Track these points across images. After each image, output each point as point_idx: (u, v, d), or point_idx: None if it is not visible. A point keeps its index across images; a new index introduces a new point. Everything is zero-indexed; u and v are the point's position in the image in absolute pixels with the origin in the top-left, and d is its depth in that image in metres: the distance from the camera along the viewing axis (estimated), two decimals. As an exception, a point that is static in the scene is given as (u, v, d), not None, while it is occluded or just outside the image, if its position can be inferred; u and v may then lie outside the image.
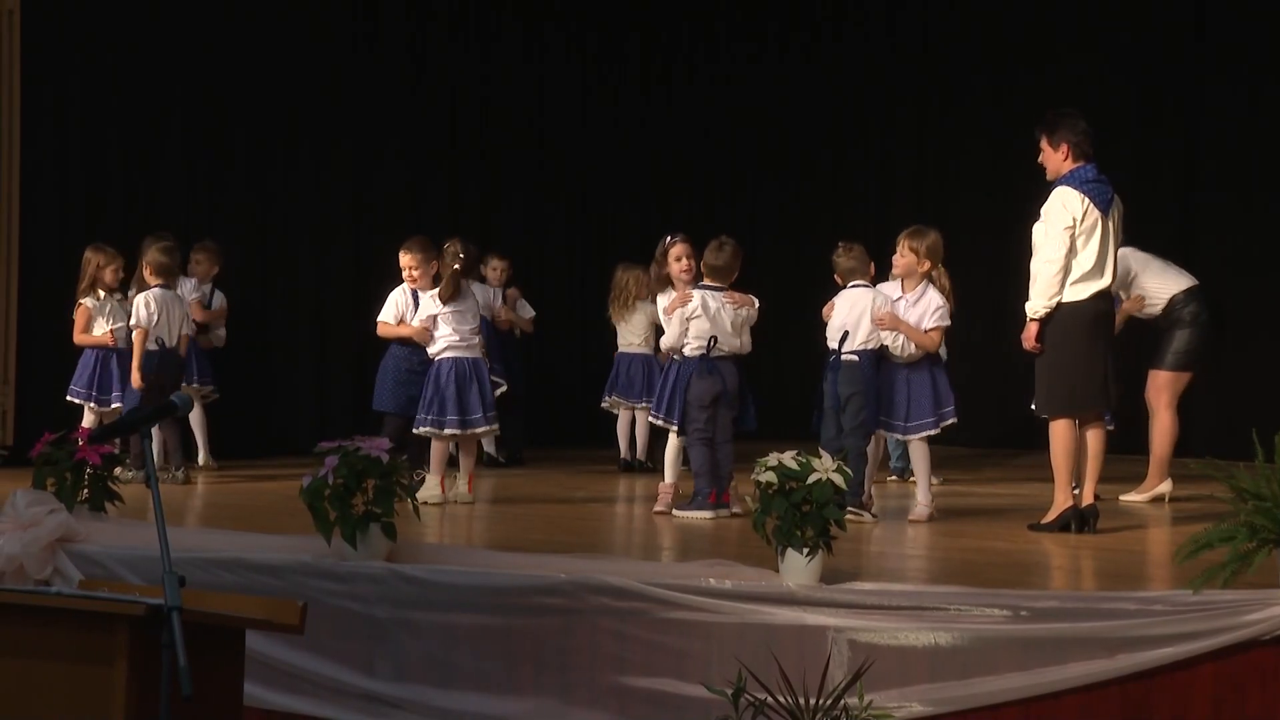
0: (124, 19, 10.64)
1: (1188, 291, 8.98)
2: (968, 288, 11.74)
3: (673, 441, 8.37)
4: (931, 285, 8.13)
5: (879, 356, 8.11)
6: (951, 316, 8.19)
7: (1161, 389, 8.90)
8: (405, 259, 8.95)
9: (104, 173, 10.71)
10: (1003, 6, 12.60)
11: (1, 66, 10.09)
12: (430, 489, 8.51)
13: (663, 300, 8.64)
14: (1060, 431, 7.49)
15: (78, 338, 9.63)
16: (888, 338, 8.08)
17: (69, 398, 9.60)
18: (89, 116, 10.59)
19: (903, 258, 8.15)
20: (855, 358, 8.02)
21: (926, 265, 8.12)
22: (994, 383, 12.02)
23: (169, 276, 9.43)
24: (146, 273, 9.42)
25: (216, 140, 11.13)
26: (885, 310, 8.03)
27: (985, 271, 12.35)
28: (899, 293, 8.17)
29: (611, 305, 10.59)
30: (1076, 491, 9.03)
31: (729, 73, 13.58)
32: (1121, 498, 8.77)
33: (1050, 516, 7.54)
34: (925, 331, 8.08)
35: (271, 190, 11.41)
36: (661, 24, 13.35)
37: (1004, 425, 11.91)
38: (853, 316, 8.06)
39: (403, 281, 8.97)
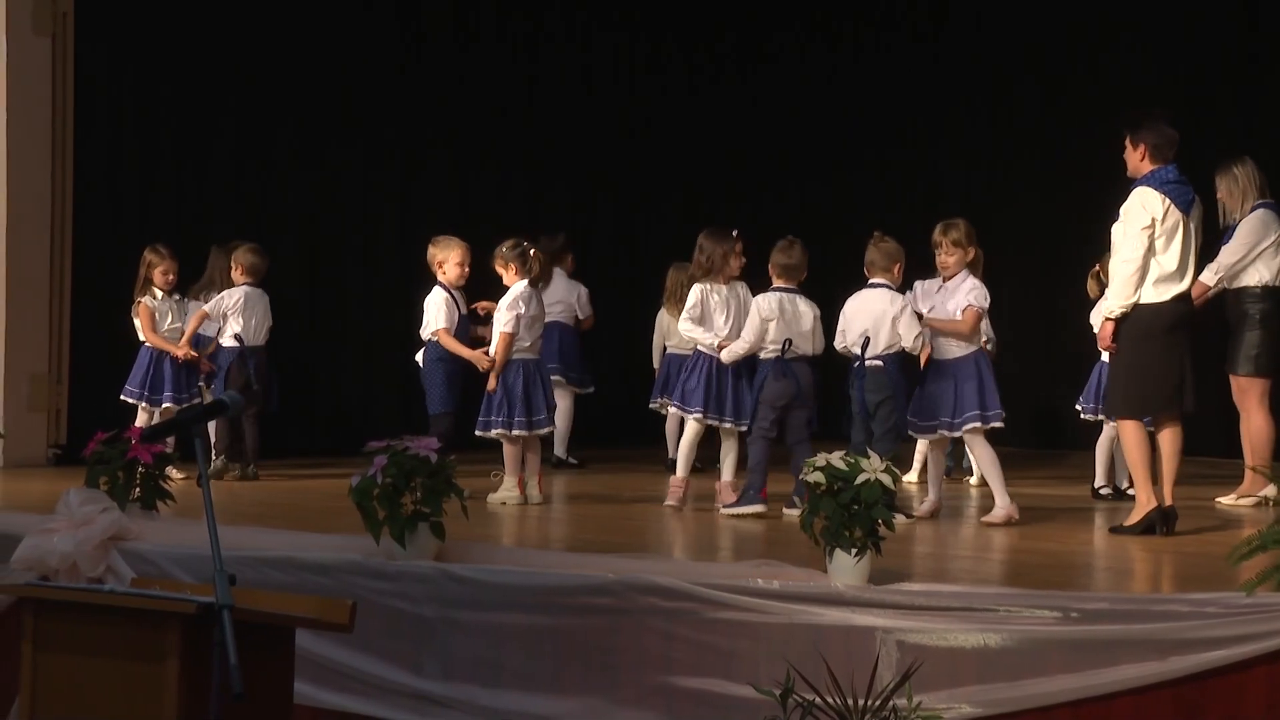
0: (175, 20, 10.72)
1: (1266, 288, 8.71)
2: (1016, 289, 11.73)
3: (688, 435, 8.37)
4: (970, 271, 8.08)
5: (905, 359, 8.10)
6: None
7: (1245, 392, 8.68)
8: (461, 255, 8.97)
9: (156, 173, 10.80)
10: (1054, 5, 12.50)
11: (56, 68, 10.18)
12: (509, 490, 8.57)
13: (696, 291, 8.52)
14: (1131, 432, 7.41)
15: (146, 336, 9.64)
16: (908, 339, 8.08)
17: (123, 397, 9.65)
18: (141, 117, 10.69)
19: (951, 255, 8.05)
20: (880, 363, 8.02)
21: (973, 252, 8.06)
22: (1043, 383, 11.95)
23: (257, 276, 9.72)
24: (237, 272, 9.70)
25: (266, 140, 11.20)
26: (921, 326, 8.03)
27: (1034, 273, 12.29)
28: (938, 286, 8.12)
29: (666, 305, 10.59)
30: (1101, 489, 9.00)
31: (774, 69, 13.54)
32: (1218, 500, 8.65)
33: (1134, 518, 7.42)
34: (961, 311, 7.99)
35: (319, 188, 11.46)
36: (705, 20, 13.32)
37: (1053, 426, 11.83)
38: (870, 321, 8.03)
39: (435, 283, 8.99)
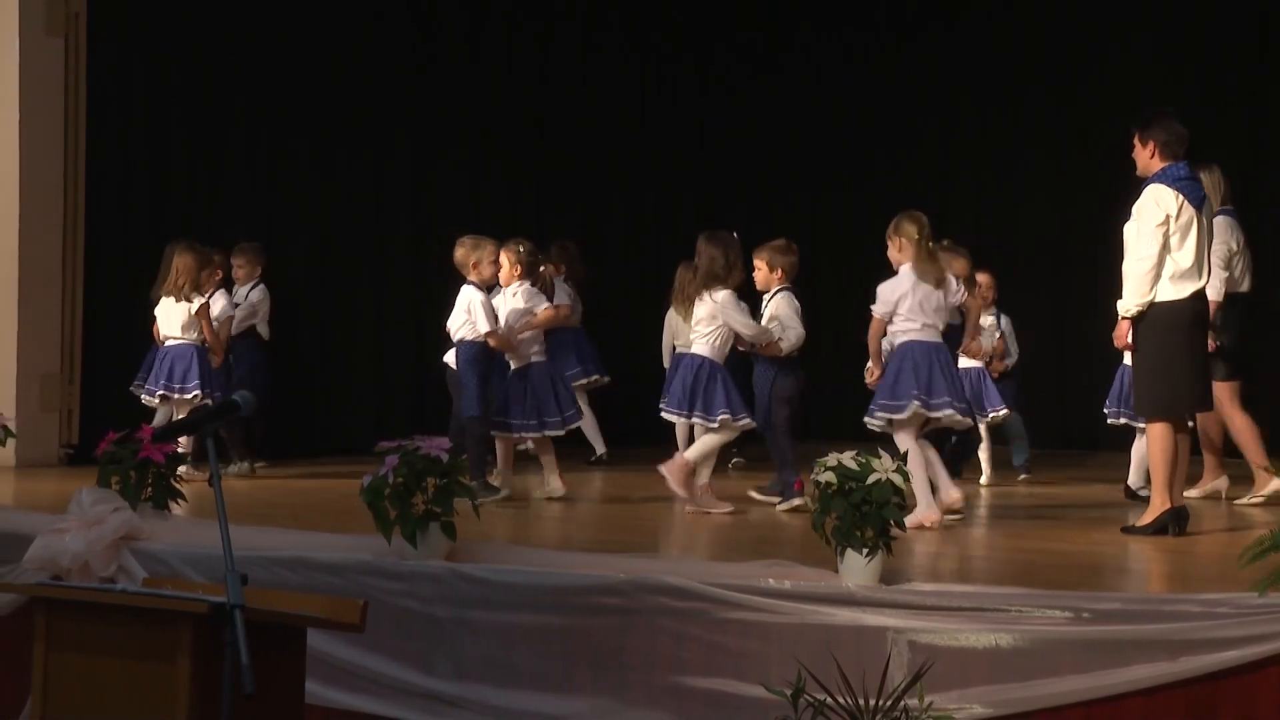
0: (187, 20, 10.74)
1: (1227, 294, 8.66)
2: (1027, 290, 11.71)
3: (710, 439, 8.28)
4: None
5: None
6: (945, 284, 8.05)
7: (1218, 398, 8.63)
8: (494, 252, 8.92)
9: (168, 173, 10.82)
10: (1064, 9, 12.49)
11: (68, 68, 10.21)
12: (553, 484, 8.79)
13: (731, 296, 8.47)
14: (1159, 434, 7.30)
15: (209, 336, 9.48)
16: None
17: (195, 395, 9.31)
18: (153, 117, 10.71)
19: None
20: None
21: (900, 241, 7.81)
22: (1054, 384, 11.94)
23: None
24: (218, 276, 9.85)
25: (277, 139, 11.23)
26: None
27: (1044, 274, 12.28)
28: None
29: (675, 304, 10.58)
30: (1141, 489, 8.95)
31: (784, 71, 13.53)
32: (1234, 501, 8.65)
33: (1147, 519, 7.36)
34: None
35: (331, 187, 11.48)
36: (715, 23, 13.32)
37: (1064, 426, 11.82)
38: None
39: (465, 282, 8.93)
